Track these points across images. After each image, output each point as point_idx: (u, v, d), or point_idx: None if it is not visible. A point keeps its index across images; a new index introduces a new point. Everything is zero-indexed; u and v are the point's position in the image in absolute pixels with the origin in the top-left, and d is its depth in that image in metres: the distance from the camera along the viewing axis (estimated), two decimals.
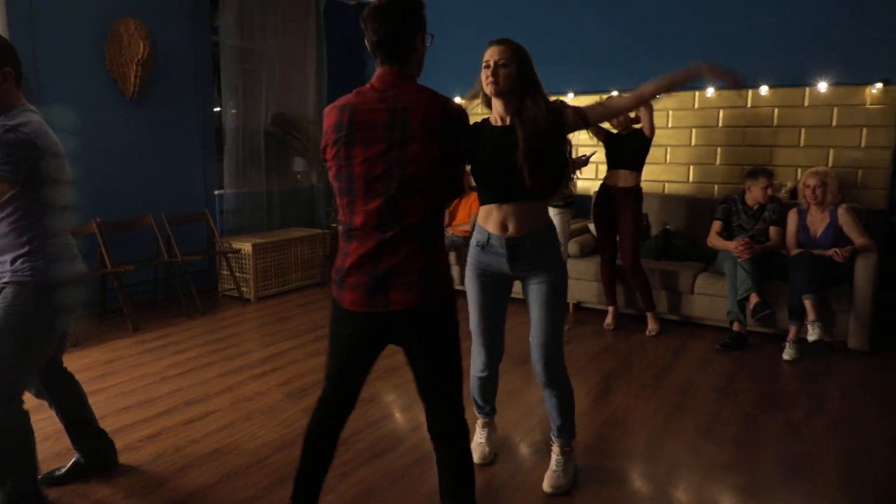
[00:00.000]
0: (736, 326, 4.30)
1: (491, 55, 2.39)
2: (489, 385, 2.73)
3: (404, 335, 1.94)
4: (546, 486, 2.58)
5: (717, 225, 4.65)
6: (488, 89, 2.41)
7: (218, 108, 6.04)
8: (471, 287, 2.56)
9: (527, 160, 2.29)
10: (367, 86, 1.94)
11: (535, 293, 2.48)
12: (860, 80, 4.72)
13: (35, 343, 2.28)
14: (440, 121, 1.85)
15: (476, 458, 2.72)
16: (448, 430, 2.02)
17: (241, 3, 5.83)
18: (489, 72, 2.38)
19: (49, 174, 2.25)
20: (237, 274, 5.66)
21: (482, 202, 2.50)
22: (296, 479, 2.06)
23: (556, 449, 2.66)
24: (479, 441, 2.84)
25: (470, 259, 2.57)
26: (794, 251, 4.31)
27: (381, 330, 1.92)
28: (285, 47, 6.33)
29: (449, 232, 5.68)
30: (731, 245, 4.40)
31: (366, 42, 1.94)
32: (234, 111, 5.95)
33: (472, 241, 2.54)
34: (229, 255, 5.60)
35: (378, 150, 1.83)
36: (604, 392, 3.60)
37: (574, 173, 4.25)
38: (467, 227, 5.77)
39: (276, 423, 3.20)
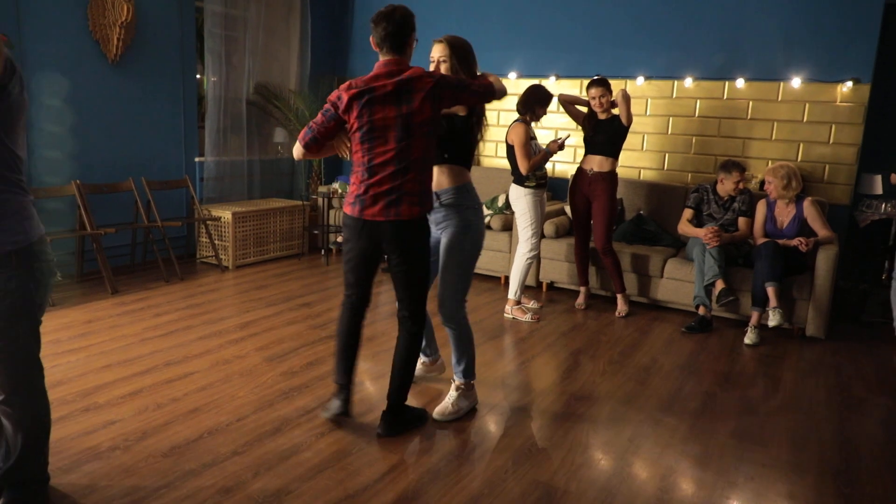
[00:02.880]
0: (701, 310, 4.48)
1: (434, 52, 2.89)
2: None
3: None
4: (435, 412, 3.03)
5: (688, 213, 4.81)
6: None
7: (200, 76, 6.00)
8: None
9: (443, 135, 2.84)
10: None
11: (442, 245, 2.92)
12: (832, 78, 4.89)
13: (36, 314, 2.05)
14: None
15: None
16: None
17: None
18: (433, 66, 2.89)
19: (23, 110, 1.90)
20: (216, 241, 5.69)
21: None
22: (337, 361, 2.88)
23: (453, 384, 3.09)
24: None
25: None
26: (761, 241, 4.49)
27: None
28: (269, 17, 6.32)
29: None
30: (700, 232, 4.56)
31: (373, 36, 2.60)
32: (216, 78, 5.94)
33: None
34: (209, 222, 5.63)
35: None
36: (573, 366, 3.74)
37: (546, 157, 4.40)
38: None
39: (255, 385, 3.28)
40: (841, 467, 2.73)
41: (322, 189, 6.40)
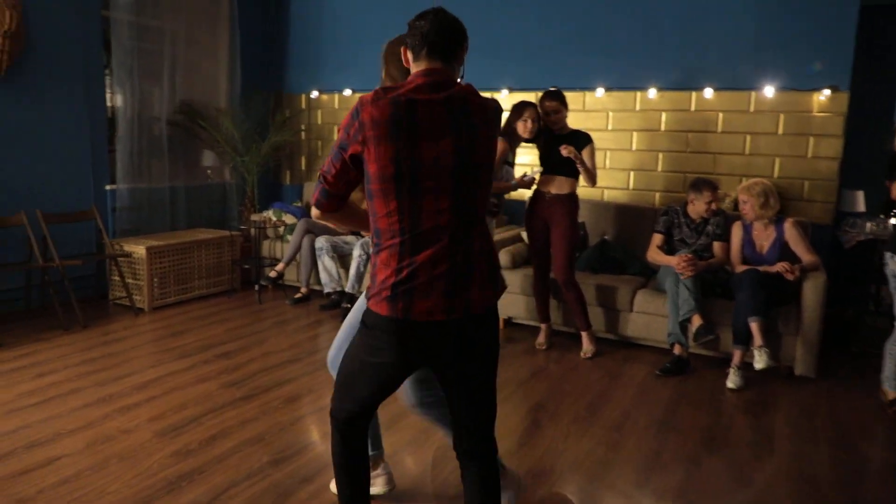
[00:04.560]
0: (677, 349, 3.95)
1: None
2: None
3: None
4: None
5: (657, 238, 4.29)
6: None
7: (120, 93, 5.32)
8: None
9: None
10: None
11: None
12: (807, 86, 4.45)
13: None
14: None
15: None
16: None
17: None
18: None
19: None
20: (129, 280, 4.99)
21: None
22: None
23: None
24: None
25: None
26: (740, 268, 4.00)
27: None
28: (191, 27, 5.69)
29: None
30: (673, 261, 4.04)
31: (410, 41, 1.78)
32: (129, 96, 5.27)
33: None
34: (119, 258, 4.93)
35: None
36: (531, 429, 3.15)
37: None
38: None
39: (136, 473, 2.62)
40: None
41: (255, 217, 5.76)
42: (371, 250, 1.75)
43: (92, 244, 5.10)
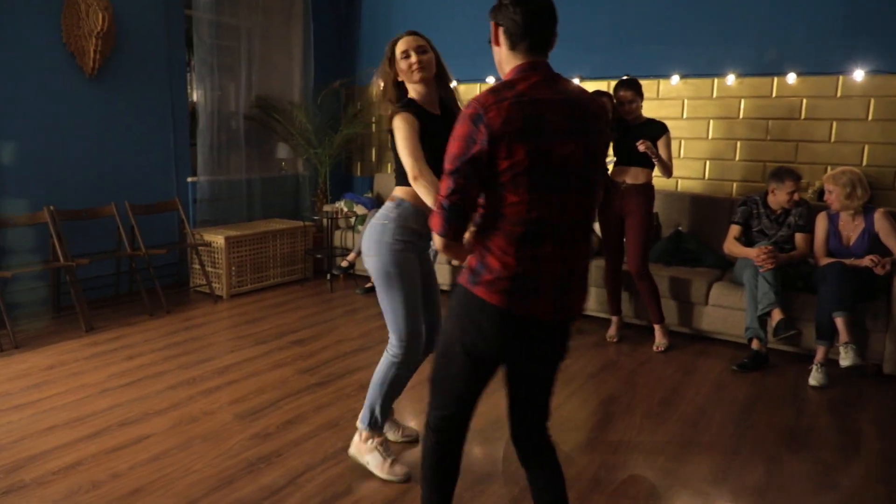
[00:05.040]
0: (755, 344, 3.81)
1: (407, 43, 2.43)
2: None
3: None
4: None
5: (735, 229, 4.15)
6: (416, 76, 2.42)
7: (200, 90, 5.54)
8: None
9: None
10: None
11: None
12: None
13: None
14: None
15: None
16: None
17: None
18: (411, 61, 2.41)
19: None
20: (209, 269, 5.20)
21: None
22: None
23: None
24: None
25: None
26: (824, 261, 3.82)
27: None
28: (267, 24, 5.85)
29: None
30: (751, 253, 3.90)
31: (506, 24, 1.66)
32: (209, 91, 5.47)
33: None
34: (200, 248, 5.15)
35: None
36: (603, 422, 3.12)
37: None
38: None
39: (218, 454, 2.74)
40: None
41: (327, 208, 5.89)
42: (475, 228, 1.71)
43: (175, 234, 5.34)
